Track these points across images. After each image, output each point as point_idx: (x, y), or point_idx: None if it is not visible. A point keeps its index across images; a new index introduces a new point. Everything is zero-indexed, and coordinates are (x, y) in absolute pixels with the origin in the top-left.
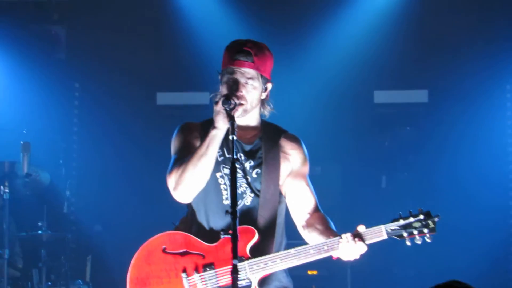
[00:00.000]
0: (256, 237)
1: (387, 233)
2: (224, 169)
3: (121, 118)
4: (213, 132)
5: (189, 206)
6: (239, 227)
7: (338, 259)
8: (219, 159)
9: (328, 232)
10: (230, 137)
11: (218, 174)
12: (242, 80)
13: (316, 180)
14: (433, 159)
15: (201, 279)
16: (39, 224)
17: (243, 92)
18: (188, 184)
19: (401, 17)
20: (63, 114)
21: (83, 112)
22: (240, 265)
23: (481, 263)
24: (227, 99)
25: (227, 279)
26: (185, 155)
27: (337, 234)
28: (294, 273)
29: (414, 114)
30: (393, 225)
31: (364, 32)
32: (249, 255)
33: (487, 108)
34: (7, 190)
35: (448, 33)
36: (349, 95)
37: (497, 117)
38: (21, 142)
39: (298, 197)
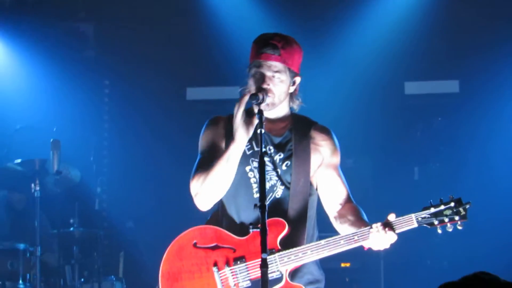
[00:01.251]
0: (286, 229)
1: (418, 222)
2: (254, 162)
3: (151, 114)
4: (233, 147)
5: (219, 200)
6: (269, 220)
7: (370, 250)
8: (248, 152)
9: (360, 222)
10: (258, 131)
11: (248, 168)
12: (268, 73)
13: (348, 172)
14: (465, 150)
15: (232, 272)
16: (71, 221)
17: (270, 85)
18: (207, 195)
19: (431, 7)
20: (93, 111)
21: (113, 108)
22: (270, 258)
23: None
24: (254, 94)
25: (258, 272)
26: (208, 159)
27: (368, 224)
28: (327, 265)
29: (445, 105)
30: (424, 213)
31: (393, 23)
32: (279, 247)
33: None
34: (38, 188)
35: (478, 22)
36: (379, 86)
37: None
38: (51, 140)
39: (330, 188)
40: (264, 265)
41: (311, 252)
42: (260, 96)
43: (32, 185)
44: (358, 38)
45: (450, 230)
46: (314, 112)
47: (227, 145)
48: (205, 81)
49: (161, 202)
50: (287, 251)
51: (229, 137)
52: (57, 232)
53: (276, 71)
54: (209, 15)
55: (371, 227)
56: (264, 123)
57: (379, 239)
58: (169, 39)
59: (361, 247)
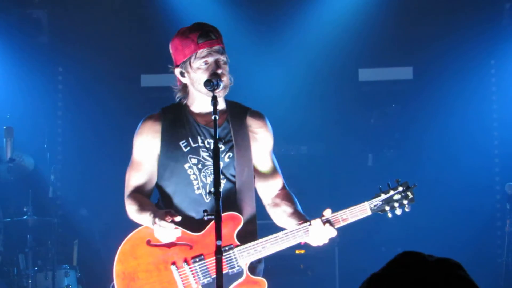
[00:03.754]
0: (242, 223)
1: (371, 210)
2: (192, 159)
3: (105, 101)
4: (148, 223)
5: (160, 197)
6: (224, 215)
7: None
8: (185, 150)
9: (296, 215)
10: (213, 117)
11: (186, 165)
12: (217, 58)
13: (302, 159)
14: (418, 136)
15: (192, 271)
16: (24, 209)
17: (222, 69)
18: (132, 219)
19: None
20: (47, 98)
21: (67, 96)
22: (229, 253)
23: (469, 236)
24: (209, 80)
25: None
26: (137, 171)
27: (304, 216)
28: (282, 252)
29: (399, 91)
30: (376, 201)
31: (347, 10)
32: (237, 242)
33: (471, 84)
34: None
35: (430, 9)
36: (333, 73)
37: (482, 92)
38: (4, 127)
39: (265, 175)
40: (218, 252)
41: (270, 245)
42: (215, 81)
43: None
44: (311, 25)
45: (399, 213)
46: (268, 100)
47: (163, 147)
48: (159, 68)
49: (115, 189)
50: (246, 245)
51: (165, 135)
52: (10, 220)
53: (221, 54)
54: (163, 2)
55: (310, 224)
56: (218, 111)
57: (319, 235)
58: (124, 25)
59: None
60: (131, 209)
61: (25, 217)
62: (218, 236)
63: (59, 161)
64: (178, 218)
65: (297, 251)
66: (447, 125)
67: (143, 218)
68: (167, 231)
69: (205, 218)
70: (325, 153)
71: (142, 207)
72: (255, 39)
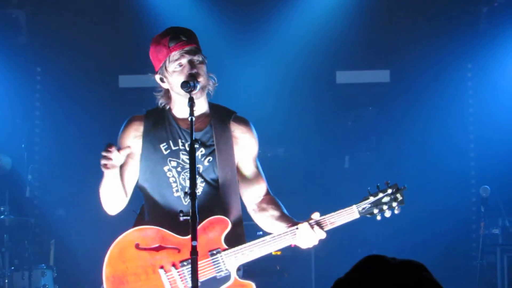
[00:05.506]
0: (229, 227)
1: (359, 213)
2: (171, 162)
3: (83, 102)
4: (104, 180)
5: (143, 198)
6: (211, 218)
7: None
8: (165, 152)
9: (284, 218)
10: (189, 118)
11: (166, 168)
12: (190, 59)
13: (279, 161)
14: (396, 139)
15: (180, 275)
16: (1, 208)
17: (197, 69)
18: (107, 210)
19: None
20: (25, 98)
21: (45, 96)
22: (217, 257)
23: (444, 239)
24: (185, 81)
25: (206, 272)
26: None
27: (292, 219)
28: None
29: (376, 94)
30: (364, 204)
31: (324, 13)
32: (225, 246)
33: (448, 87)
34: None
35: (407, 13)
36: (311, 76)
37: (458, 96)
38: None
39: (249, 181)
40: (193, 253)
41: (258, 249)
42: (191, 83)
43: None
44: (289, 27)
45: (388, 215)
46: (246, 102)
47: (144, 149)
48: (137, 68)
49: (93, 190)
50: (234, 249)
51: (147, 136)
52: None
53: (194, 54)
54: (141, 3)
55: (298, 228)
56: (194, 110)
57: (307, 237)
58: (102, 26)
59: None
60: (100, 192)
61: (2, 216)
62: (194, 237)
63: (37, 161)
64: (125, 151)
65: (273, 253)
66: (424, 128)
67: (104, 181)
68: (111, 155)
69: (181, 219)
70: (302, 155)
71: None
72: (233, 41)
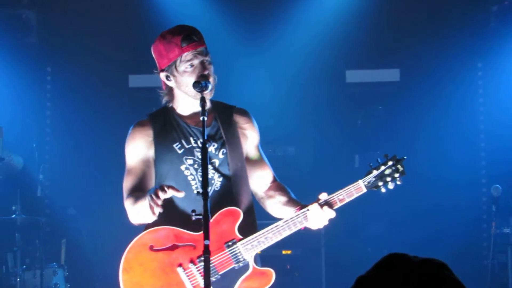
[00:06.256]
0: (241, 217)
1: (366, 187)
2: (187, 160)
3: (93, 101)
4: (146, 208)
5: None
6: (223, 211)
7: (310, 237)
8: (179, 151)
9: (292, 201)
10: (201, 118)
11: (183, 167)
12: (201, 59)
13: (290, 160)
14: (406, 138)
15: (199, 271)
16: (13, 208)
17: (208, 70)
18: (137, 223)
19: None
20: (36, 98)
21: (55, 96)
22: (233, 248)
23: (455, 238)
24: (197, 82)
25: (225, 265)
26: (135, 179)
27: (300, 203)
28: (268, 253)
29: (386, 93)
30: (369, 178)
31: (335, 12)
32: (239, 236)
33: (458, 86)
34: None
35: (417, 11)
36: (321, 75)
37: (469, 95)
38: None
39: (256, 169)
40: (206, 252)
41: (272, 235)
42: (203, 83)
43: None
44: (299, 27)
45: (392, 187)
46: (256, 102)
47: (158, 152)
48: (147, 68)
49: (104, 189)
50: (250, 238)
51: (158, 139)
52: None
53: (205, 55)
54: (151, 3)
55: (308, 209)
56: (206, 111)
57: (318, 218)
58: (112, 26)
59: (302, 236)
60: (129, 207)
61: (13, 216)
62: (206, 236)
63: (48, 160)
64: (181, 194)
65: (283, 252)
66: (434, 127)
67: (140, 205)
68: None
69: (193, 218)
70: (312, 154)
71: (137, 197)
72: (242, 40)
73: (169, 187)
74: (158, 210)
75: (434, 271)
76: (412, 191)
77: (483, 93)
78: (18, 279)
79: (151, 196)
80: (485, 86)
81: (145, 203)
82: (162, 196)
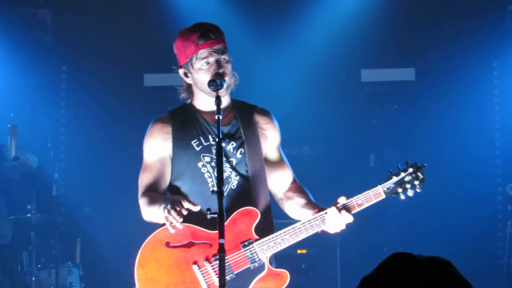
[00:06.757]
0: (259, 217)
1: (385, 193)
2: (205, 157)
3: (108, 100)
4: (159, 213)
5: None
6: (240, 210)
7: (326, 236)
8: (197, 149)
9: (311, 204)
10: (216, 117)
11: (200, 164)
12: (217, 58)
13: (304, 159)
14: (421, 137)
15: (214, 269)
16: (28, 207)
17: (224, 68)
18: (146, 219)
19: None
20: (51, 97)
21: (70, 95)
22: (250, 248)
23: (470, 238)
24: (213, 80)
25: (240, 264)
26: (150, 175)
27: (318, 205)
28: (283, 252)
29: (401, 92)
30: (388, 184)
31: (350, 11)
32: (256, 236)
33: (473, 86)
34: None
35: (432, 11)
36: (336, 74)
37: (484, 94)
38: (9, 126)
39: (275, 170)
40: (221, 251)
41: (289, 237)
42: (218, 81)
43: None
44: (315, 26)
45: (411, 195)
46: (272, 100)
47: (175, 148)
48: (162, 67)
49: (119, 188)
50: (266, 238)
51: (176, 135)
52: (14, 218)
53: (222, 53)
54: (166, 2)
55: (326, 212)
56: (221, 110)
57: (335, 222)
58: (127, 25)
59: (317, 234)
60: (143, 207)
61: (28, 215)
62: (221, 234)
63: (63, 159)
64: (196, 208)
65: (298, 251)
66: (449, 127)
67: (153, 209)
68: (173, 218)
69: (208, 216)
70: (327, 153)
71: (153, 199)
72: (257, 39)
73: (186, 202)
74: (178, 225)
75: (439, 269)
76: (427, 191)
77: (498, 92)
78: (34, 278)
79: (168, 210)
80: (501, 86)
81: (159, 210)
82: (182, 213)
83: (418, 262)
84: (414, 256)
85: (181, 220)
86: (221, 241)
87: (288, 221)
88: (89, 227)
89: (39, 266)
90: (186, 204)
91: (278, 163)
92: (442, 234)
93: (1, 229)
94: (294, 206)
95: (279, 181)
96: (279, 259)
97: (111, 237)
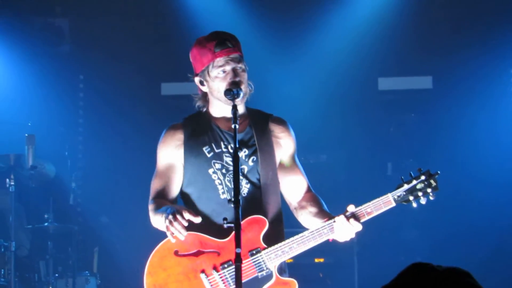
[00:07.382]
0: (267, 226)
1: (395, 201)
2: (216, 164)
3: (126, 109)
4: (162, 221)
5: (184, 205)
6: (249, 218)
7: (343, 245)
8: (208, 155)
9: (323, 213)
10: (233, 126)
11: (211, 171)
12: (234, 66)
13: (322, 167)
14: (438, 145)
15: (221, 277)
16: (46, 216)
17: (240, 77)
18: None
19: (404, 4)
20: (68, 106)
21: (88, 104)
22: (257, 256)
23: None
24: (229, 89)
25: (248, 273)
26: (160, 182)
27: (331, 214)
28: (300, 261)
29: (418, 101)
30: (399, 192)
31: (367, 20)
32: (264, 245)
33: (491, 93)
34: (12, 183)
35: (449, 18)
36: (353, 82)
37: (502, 101)
38: (26, 135)
39: (291, 179)
40: (238, 260)
41: (297, 246)
42: (235, 91)
43: (7, 180)
44: (332, 34)
45: (424, 202)
46: (288, 108)
47: (187, 155)
48: (179, 76)
49: (136, 197)
50: (274, 247)
51: (188, 142)
52: (31, 227)
53: (238, 62)
54: (183, 11)
55: (335, 221)
56: (238, 119)
57: (344, 230)
58: (144, 34)
59: (333, 244)
60: (150, 213)
61: (46, 224)
62: (238, 244)
63: (80, 168)
64: (197, 220)
65: (316, 260)
66: (467, 134)
67: (158, 218)
68: (176, 228)
69: (225, 226)
70: (344, 161)
71: (159, 207)
72: (275, 47)
73: (187, 213)
74: (181, 236)
75: (459, 279)
76: (445, 198)
77: None
78: (51, 287)
79: (169, 221)
80: None
81: (161, 219)
82: (183, 224)
83: (437, 273)
84: (433, 267)
85: (184, 232)
86: (238, 250)
87: (299, 229)
88: (106, 236)
89: (56, 275)
90: (187, 215)
91: (292, 172)
92: (461, 241)
93: (20, 239)
94: (307, 215)
95: (293, 190)
96: (296, 268)
97: (128, 246)
